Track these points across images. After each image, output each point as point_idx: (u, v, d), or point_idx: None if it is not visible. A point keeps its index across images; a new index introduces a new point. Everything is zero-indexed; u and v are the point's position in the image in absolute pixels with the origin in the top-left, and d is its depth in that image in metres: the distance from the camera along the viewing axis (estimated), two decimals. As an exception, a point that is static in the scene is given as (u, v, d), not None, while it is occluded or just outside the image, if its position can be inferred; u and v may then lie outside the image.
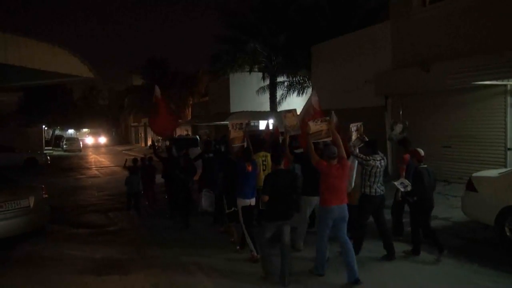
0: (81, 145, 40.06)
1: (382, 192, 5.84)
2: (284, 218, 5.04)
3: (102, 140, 57.78)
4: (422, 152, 6.02)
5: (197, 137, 19.39)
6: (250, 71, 20.15)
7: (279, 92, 20.11)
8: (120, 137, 55.48)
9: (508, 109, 8.89)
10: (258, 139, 7.45)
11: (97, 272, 5.55)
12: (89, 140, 57.28)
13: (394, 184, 6.23)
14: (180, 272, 5.46)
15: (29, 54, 9.93)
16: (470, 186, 6.46)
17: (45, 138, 36.36)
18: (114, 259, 6.13)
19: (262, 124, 17.49)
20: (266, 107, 20.56)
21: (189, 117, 32.57)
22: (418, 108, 11.11)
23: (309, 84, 18.24)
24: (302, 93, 19.33)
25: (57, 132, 47.69)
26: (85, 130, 61.25)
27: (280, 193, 5.00)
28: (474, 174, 6.67)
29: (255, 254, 5.70)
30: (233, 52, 19.42)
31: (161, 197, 10.09)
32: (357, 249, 5.66)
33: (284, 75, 19.88)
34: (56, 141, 44.09)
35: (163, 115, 8.83)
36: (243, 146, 6.36)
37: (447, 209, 7.90)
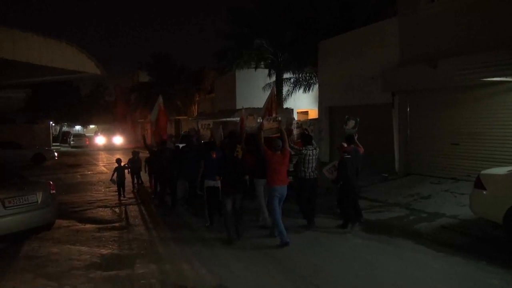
0: (87, 142, 40.38)
1: (314, 176, 7.22)
2: (234, 192, 6.58)
3: (118, 140, 40.89)
4: (345, 145, 7.44)
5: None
6: (256, 67, 20.12)
7: (285, 89, 20.07)
8: (127, 133, 55.49)
9: (517, 106, 8.79)
10: (235, 135, 8.67)
11: (104, 267, 5.59)
12: (100, 140, 42.46)
13: (323, 172, 7.84)
14: (186, 267, 5.49)
15: (36, 51, 9.99)
16: (479, 183, 6.40)
17: (52, 134, 36.60)
18: (121, 254, 6.18)
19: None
20: (272, 103, 20.55)
21: (195, 114, 32.59)
22: (425, 104, 11.02)
23: (315, 80, 18.18)
24: (308, 90, 19.27)
25: (64, 128, 48.01)
26: (92, 126, 57.62)
27: (230, 175, 6.60)
28: (483, 172, 6.61)
29: (208, 223, 7.59)
30: (239, 49, 19.40)
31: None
32: (310, 224, 7.18)
33: (290, 71, 19.81)
34: (63, 137, 44.43)
35: (163, 122, 10.61)
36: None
37: (455, 207, 7.85)
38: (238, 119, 8.90)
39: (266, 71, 20.50)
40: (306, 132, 7.84)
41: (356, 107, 13.76)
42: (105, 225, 8.03)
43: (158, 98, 11.06)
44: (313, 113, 21.42)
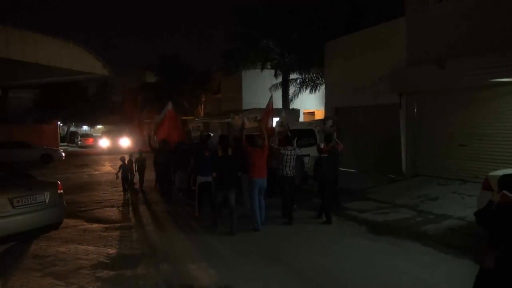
0: (91, 141, 40.69)
1: (292, 174, 7.79)
2: (228, 188, 7.13)
3: (125, 142, 33.34)
4: (322, 145, 8.20)
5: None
6: (263, 68, 20.11)
7: (292, 89, 20.04)
8: (134, 134, 55.56)
9: (527, 107, 8.70)
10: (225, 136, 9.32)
11: (111, 267, 5.62)
12: (104, 143, 36.43)
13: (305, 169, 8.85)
14: (192, 267, 5.50)
15: (45, 51, 10.08)
16: (487, 185, 6.34)
17: (60, 134, 36.88)
18: (127, 254, 6.21)
19: (274, 121, 17.45)
20: (279, 104, 20.49)
21: (202, 114, 32.66)
22: (433, 105, 10.95)
23: (322, 81, 18.13)
24: (315, 90, 19.22)
25: (72, 128, 48.35)
26: (99, 126, 57.42)
27: (224, 171, 7.13)
28: (491, 173, 6.54)
29: (197, 214, 8.31)
30: (245, 49, 19.41)
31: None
32: (289, 219, 7.67)
33: (297, 72, 19.78)
34: (71, 137, 44.74)
35: (172, 126, 11.12)
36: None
37: (463, 209, 7.78)
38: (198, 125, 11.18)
39: (273, 71, 20.48)
40: (289, 134, 8.47)
41: (363, 107, 13.72)
42: (112, 225, 8.07)
43: (168, 104, 11.41)
44: (320, 114, 21.37)
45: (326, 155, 8.01)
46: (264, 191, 7.47)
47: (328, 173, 7.88)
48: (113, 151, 29.31)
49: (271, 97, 10.38)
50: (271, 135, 8.83)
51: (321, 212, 8.02)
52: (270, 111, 9.81)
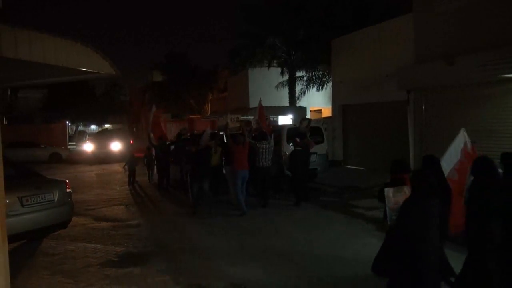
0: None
1: (267, 165, 9.00)
2: (200, 178, 8.44)
3: (116, 146, 22.43)
4: (298, 140, 9.35)
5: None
6: (269, 66, 20.05)
7: (298, 87, 19.95)
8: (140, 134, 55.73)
9: (537, 103, 8.57)
10: (214, 133, 10.74)
11: (119, 265, 5.66)
12: (88, 147, 22.96)
13: (281, 163, 9.83)
14: (200, 266, 5.52)
15: (52, 51, 10.14)
16: None
17: (68, 133, 37.20)
18: (135, 252, 6.25)
19: (281, 119, 17.46)
20: (285, 102, 20.46)
21: (208, 113, 32.73)
22: (442, 102, 10.84)
23: (329, 78, 18.04)
24: (322, 88, 19.12)
25: (80, 128, 48.74)
26: (107, 126, 57.59)
27: (200, 162, 8.46)
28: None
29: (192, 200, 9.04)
30: (252, 47, 19.35)
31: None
32: (264, 202, 9.04)
33: (303, 69, 19.71)
34: (79, 136, 45.10)
35: (158, 125, 12.99)
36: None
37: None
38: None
39: (279, 69, 20.43)
40: (264, 130, 9.78)
41: (370, 105, 13.64)
42: (120, 223, 8.13)
43: (152, 107, 13.59)
44: (327, 112, 21.29)
45: (300, 148, 9.23)
46: (246, 181, 8.73)
47: (300, 165, 9.18)
48: (100, 158, 20.95)
49: (260, 100, 11.58)
50: (271, 133, 9.92)
51: (298, 199, 9.19)
52: (262, 113, 11.06)
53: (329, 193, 10.89)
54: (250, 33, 19.63)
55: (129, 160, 13.05)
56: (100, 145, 22.03)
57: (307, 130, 10.04)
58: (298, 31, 18.18)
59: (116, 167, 17.79)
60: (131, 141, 23.45)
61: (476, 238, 3.75)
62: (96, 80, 34.76)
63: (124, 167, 13.16)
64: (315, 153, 11.46)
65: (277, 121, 17.16)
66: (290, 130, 11.15)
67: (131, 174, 12.83)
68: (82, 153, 22.90)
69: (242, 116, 17.89)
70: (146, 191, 11.98)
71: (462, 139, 5.11)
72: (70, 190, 6.89)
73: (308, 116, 21.38)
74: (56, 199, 6.46)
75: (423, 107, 11.33)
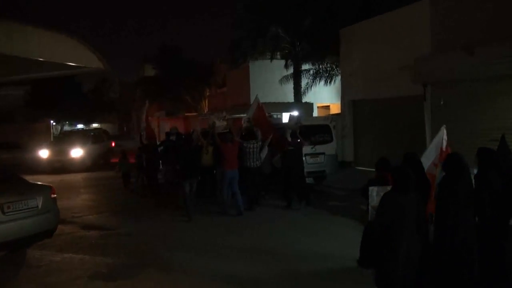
0: None
1: (255, 166, 9.42)
2: (190, 177, 8.87)
3: (77, 153, 18.67)
4: (290, 139, 9.52)
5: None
6: (272, 58, 20.04)
7: (304, 81, 19.94)
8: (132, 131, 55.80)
9: None
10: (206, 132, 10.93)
11: (109, 277, 5.67)
12: (44, 154, 18.84)
13: (273, 162, 10.19)
14: (193, 277, 5.53)
15: (36, 44, 10.16)
16: None
17: (53, 133, 37.28)
18: (125, 263, 6.26)
19: (285, 117, 17.44)
20: (290, 97, 20.46)
21: (206, 110, 32.74)
22: (461, 96, 10.81)
23: (338, 71, 18.02)
24: (330, 82, 19.10)
25: (66, 127, 48.81)
26: (95, 125, 57.18)
27: (188, 162, 8.85)
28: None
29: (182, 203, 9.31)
30: (253, 38, 19.34)
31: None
32: (250, 206, 9.29)
33: (310, 62, 19.69)
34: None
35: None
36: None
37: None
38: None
39: (283, 62, 20.42)
40: (254, 129, 9.97)
41: (383, 100, 13.62)
42: (109, 231, 8.14)
43: (146, 103, 14.21)
44: (336, 108, 21.27)
45: (292, 148, 9.49)
46: (236, 181, 9.06)
47: (293, 165, 9.48)
48: (55, 168, 17.97)
49: (257, 97, 11.62)
50: (274, 132, 10.21)
51: (289, 201, 9.57)
52: (261, 110, 11.02)
53: (338, 197, 10.89)
54: (251, 23, 19.61)
55: (121, 162, 13.28)
56: (57, 151, 18.75)
57: (297, 127, 10.22)
58: (303, 20, 18.16)
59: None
60: (113, 143, 22.84)
61: (442, 230, 4.24)
62: (84, 76, 34.79)
63: (116, 169, 13.47)
64: (323, 153, 11.45)
65: (281, 119, 17.18)
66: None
67: (125, 176, 13.12)
68: (37, 160, 18.85)
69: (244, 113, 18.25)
70: (135, 195, 12.05)
71: (441, 135, 5.81)
72: (55, 195, 6.90)
73: (315, 113, 21.37)
74: (40, 206, 6.46)
75: (441, 102, 11.30)
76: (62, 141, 21.03)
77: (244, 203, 9.16)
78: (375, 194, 4.55)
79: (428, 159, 5.64)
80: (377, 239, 3.92)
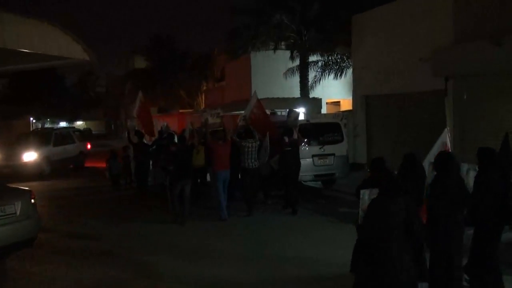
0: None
1: (254, 166, 9.53)
2: (184, 179, 8.97)
3: (31, 156, 17.09)
4: (286, 139, 9.71)
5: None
6: (275, 48, 20.03)
7: (312, 74, 19.92)
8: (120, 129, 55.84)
9: None
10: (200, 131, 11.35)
11: (94, 290, 5.67)
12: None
13: (270, 163, 10.19)
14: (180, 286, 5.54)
15: (13, 33, 10.15)
16: None
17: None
18: (113, 275, 6.24)
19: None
20: (296, 92, 20.43)
21: (202, 106, 32.76)
22: (486, 91, 10.80)
23: (349, 63, 18.01)
24: (340, 75, 19.08)
25: (47, 125, 48.95)
26: (80, 123, 57.28)
27: (181, 163, 8.99)
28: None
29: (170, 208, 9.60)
30: (255, 26, 19.33)
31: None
32: (249, 211, 9.44)
33: (318, 53, 19.68)
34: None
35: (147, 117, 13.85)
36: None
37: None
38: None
39: (288, 53, 20.40)
40: (251, 127, 10.02)
41: (399, 95, 13.60)
42: (95, 241, 8.14)
43: (139, 93, 14.20)
44: (346, 104, 21.25)
45: (290, 148, 9.70)
46: (228, 182, 9.39)
47: (291, 165, 9.69)
48: (3, 174, 16.03)
49: (255, 93, 11.52)
50: (274, 131, 10.37)
51: (287, 203, 9.85)
52: (261, 108, 10.97)
53: (349, 203, 10.86)
54: (252, 9, 19.63)
55: (110, 163, 13.63)
56: (8, 155, 17.44)
57: (296, 124, 10.43)
58: (311, 6, 18.16)
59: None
60: (88, 145, 21.63)
61: (434, 228, 4.55)
62: (67, 68, 34.86)
63: (105, 172, 13.86)
64: (333, 154, 11.43)
65: (285, 116, 17.16)
66: (302, 126, 11.11)
67: (114, 177, 13.58)
68: None
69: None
70: (124, 198, 12.19)
71: (444, 137, 6.31)
72: (35, 201, 6.90)
73: (324, 110, 21.35)
74: (18, 212, 6.45)
75: (465, 97, 11.29)
76: (18, 142, 19.03)
77: (242, 209, 9.48)
78: (366, 197, 4.77)
79: (430, 161, 5.87)
80: (363, 245, 4.15)
